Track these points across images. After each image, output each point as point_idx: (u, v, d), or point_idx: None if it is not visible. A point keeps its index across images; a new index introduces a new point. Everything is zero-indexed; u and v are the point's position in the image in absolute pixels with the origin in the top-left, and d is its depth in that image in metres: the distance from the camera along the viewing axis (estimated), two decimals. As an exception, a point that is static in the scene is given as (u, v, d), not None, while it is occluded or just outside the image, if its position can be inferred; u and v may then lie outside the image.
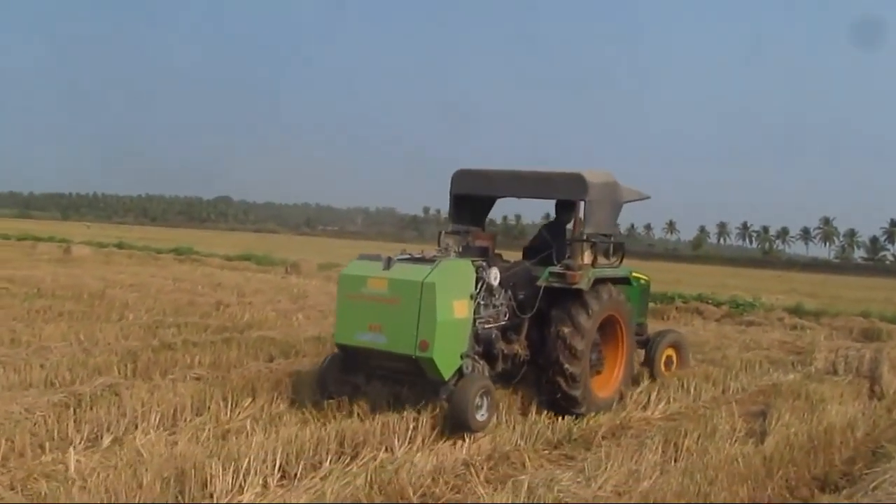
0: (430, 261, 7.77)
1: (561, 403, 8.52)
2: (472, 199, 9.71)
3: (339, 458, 6.61)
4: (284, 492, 5.85)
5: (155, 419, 7.31)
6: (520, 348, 8.63)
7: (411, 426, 7.32)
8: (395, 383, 8.01)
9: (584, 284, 8.45)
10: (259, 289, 20.89)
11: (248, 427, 7.18)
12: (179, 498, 5.46)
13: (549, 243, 9.42)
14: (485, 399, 7.54)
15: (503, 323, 8.43)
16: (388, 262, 7.83)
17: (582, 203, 8.84)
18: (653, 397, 9.55)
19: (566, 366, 8.34)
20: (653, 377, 10.53)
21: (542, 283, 8.71)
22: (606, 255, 9.63)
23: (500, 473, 6.60)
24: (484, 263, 8.29)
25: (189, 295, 18.41)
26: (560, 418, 8.34)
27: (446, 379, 7.54)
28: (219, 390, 8.11)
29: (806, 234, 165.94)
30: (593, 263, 8.92)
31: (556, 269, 8.72)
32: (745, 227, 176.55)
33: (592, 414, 8.60)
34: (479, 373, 7.97)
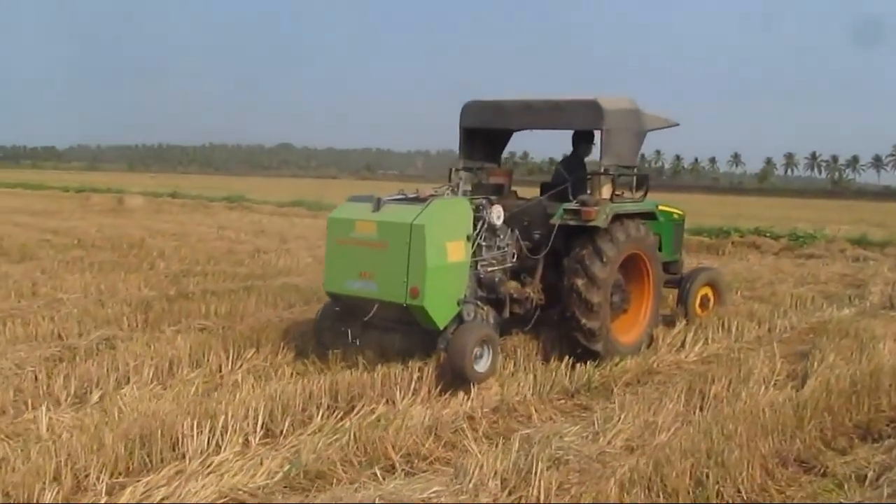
0: (423, 201, 7.20)
1: (581, 356, 7.96)
2: (484, 133, 9.07)
3: (333, 412, 6.19)
4: (267, 450, 5.44)
5: (149, 373, 6.99)
6: (532, 292, 8.05)
7: (416, 377, 6.88)
8: (393, 332, 7.52)
9: (600, 221, 7.80)
10: (303, 235, 20.53)
11: (241, 381, 6.82)
12: (147, 460, 5.09)
13: (566, 179, 8.75)
14: (486, 348, 7.03)
15: (510, 265, 7.88)
16: (378, 204, 7.24)
17: (598, 132, 8.13)
18: (688, 339, 8.92)
19: (583, 321, 7.76)
20: (687, 318, 9.87)
21: (555, 220, 8.07)
22: (631, 190, 8.95)
23: (503, 427, 6.13)
24: (485, 201, 7.73)
25: (229, 243, 18.23)
26: (582, 364, 7.79)
27: (441, 328, 7.02)
28: (222, 342, 7.76)
29: (878, 162, 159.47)
30: (612, 198, 8.24)
31: (572, 205, 8.08)
32: (813, 157, 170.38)
33: (617, 360, 8.04)
34: (483, 319, 7.46)
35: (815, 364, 7.62)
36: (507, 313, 7.88)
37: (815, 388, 6.68)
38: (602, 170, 8.19)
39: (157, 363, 7.09)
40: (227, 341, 7.77)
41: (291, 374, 7.15)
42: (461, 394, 6.71)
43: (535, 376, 7.17)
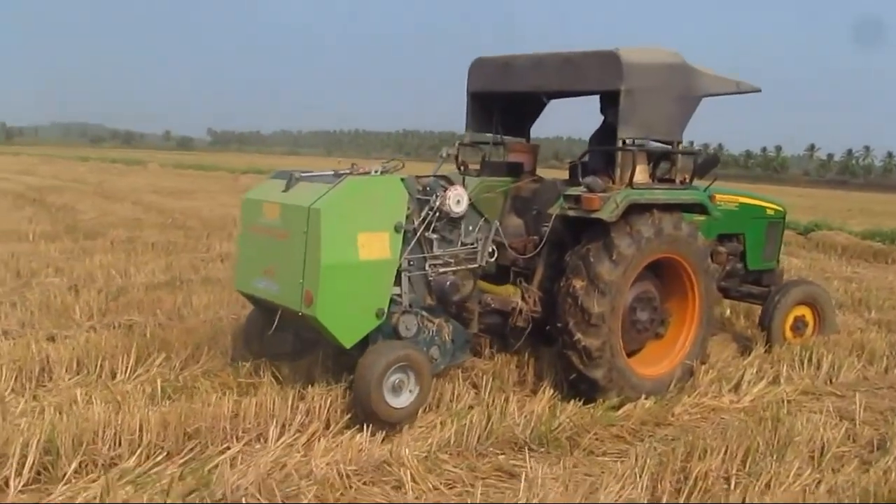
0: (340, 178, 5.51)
1: (579, 386, 6.03)
2: (502, 99, 7.22)
3: (158, 452, 4.68)
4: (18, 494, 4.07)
5: (24, 377, 5.81)
6: (523, 301, 6.19)
7: (320, 406, 5.26)
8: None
9: (606, 212, 5.82)
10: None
11: (87, 397, 5.43)
12: None
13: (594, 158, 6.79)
14: (409, 375, 5.29)
15: (475, 266, 6.00)
16: (290, 181, 5.64)
17: (618, 93, 6.07)
18: (747, 376, 6.69)
19: (577, 336, 5.82)
20: (769, 344, 7.59)
21: (554, 210, 6.18)
22: (685, 172, 6.83)
23: (348, 496, 4.34)
24: (441, 181, 5.89)
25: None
26: (573, 400, 5.91)
27: (348, 346, 5.32)
28: (138, 342, 6.46)
29: None
30: (630, 182, 6.18)
31: (576, 190, 6.13)
32: None
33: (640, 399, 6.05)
34: (432, 336, 5.68)
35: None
36: (474, 327, 6.09)
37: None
38: (621, 143, 6.17)
39: (24, 366, 5.87)
40: (145, 343, 6.49)
41: (180, 390, 5.72)
42: (358, 436, 5.00)
43: (487, 416, 5.32)
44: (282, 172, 5.86)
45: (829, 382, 7.04)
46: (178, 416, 4.90)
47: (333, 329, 5.19)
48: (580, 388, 6.01)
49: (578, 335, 5.80)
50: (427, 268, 5.71)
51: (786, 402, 6.34)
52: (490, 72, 7.03)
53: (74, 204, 19.81)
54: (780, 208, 8.38)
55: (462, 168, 7.34)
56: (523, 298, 6.21)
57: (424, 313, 5.68)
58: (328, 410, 5.27)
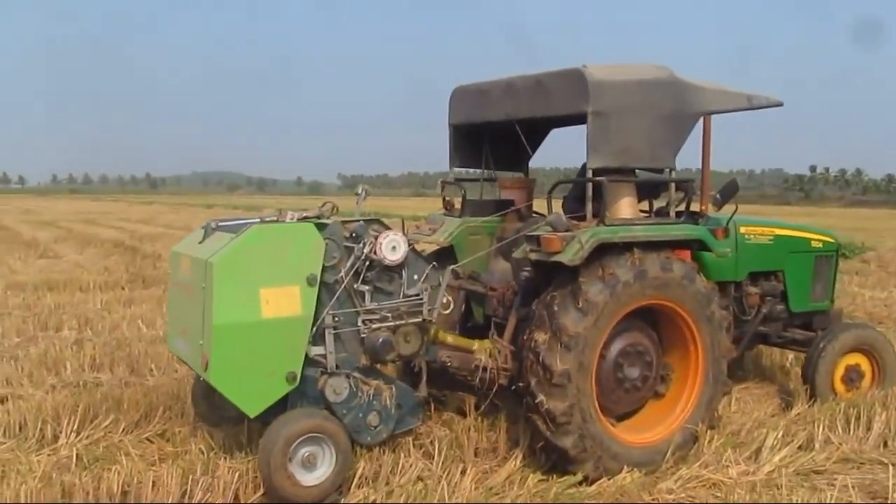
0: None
1: (550, 456, 5.21)
2: (483, 130, 6.55)
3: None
4: None
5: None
6: (490, 358, 5.43)
7: (226, 481, 4.68)
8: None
9: (567, 255, 4.99)
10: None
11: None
12: None
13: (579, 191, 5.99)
14: (324, 449, 4.62)
15: (420, 320, 5.23)
16: (207, 231, 5.14)
17: (586, 116, 5.25)
18: (770, 440, 5.65)
19: (540, 398, 5.00)
20: (814, 400, 6.50)
21: (518, 254, 5.45)
22: (686, 201, 5.95)
23: None
24: (376, 226, 5.18)
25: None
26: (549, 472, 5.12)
27: (251, 415, 4.66)
28: (88, 403, 6.08)
29: None
30: (600, 218, 5.32)
31: (539, 229, 5.35)
32: None
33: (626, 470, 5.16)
34: (364, 400, 4.99)
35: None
36: (423, 390, 5.37)
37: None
38: (590, 174, 5.35)
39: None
40: (93, 402, 6.10)
41: (97, 459, 5.25)
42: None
43: (424, 493, 4.60)
44: (208, 223, 5.32)
45: (883, 446, 5.90)
46: (59, 491, 4.42)
47: (232, 396, 4.56)
48: (550, 458, 5.20)
49: (541, 397, 4.98)
50: (360, 323, 5.03)
51: (812, 473, 5.31)
52: (469, 101, 6.41)
53: (163, 251, 20.17)
54: (830, 240, 7.26)
55: (448, 208, 6.73)
56: (490, 355, 5.46)
57: (357, 375, 5.00)
58: (236, 485, 4.67)
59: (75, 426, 5.76)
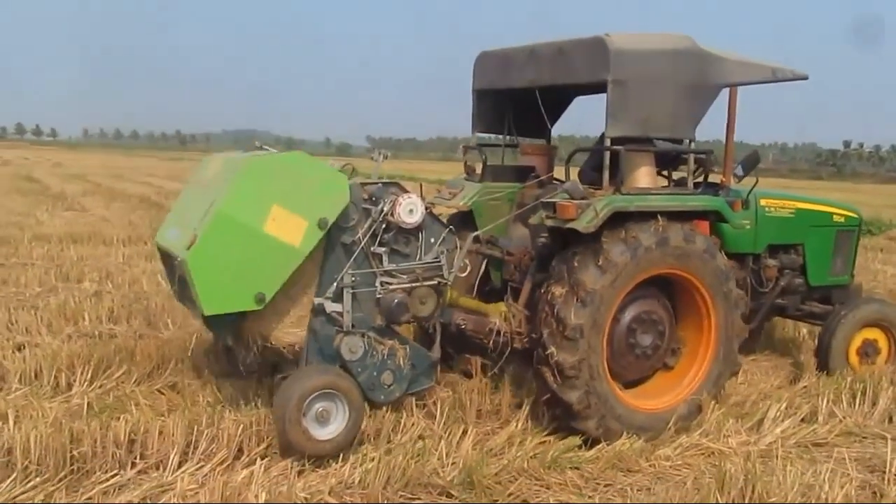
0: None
1: (553, 411, 5.29)
2: (505, 95, 6.53)
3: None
4: None
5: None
6: (504, 322, 5.53)
7: (231, 433, 4.80)
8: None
9: (582, 222, 5.04)
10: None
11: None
12: None
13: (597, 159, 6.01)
14: (337, 404, 4.75)
15: (437, 283, 5.30)
16: (252, 148, 5.45)
17: (606, 84, 5.24)
18: (773, 412, 5.67)
19: (550, 349, 5.08)
20: (826, 372, 6.51)
21: (534, 220, 5.52)
22: (704, 173, 6.01)
23: None
24: (391, 188, 5.22)
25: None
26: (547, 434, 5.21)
27: (206, 313, 4.63)
28: (101, 354, 6.20)
29: None
30: (617, 187, 5.34)
31: (555, 197, 5.38)
32: None
33: (626, 436, 5.23)
34: (378, 359, 5.10)
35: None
36: (437, 351, 5.43)
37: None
38: (608, 143, 5.35)
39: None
40: (107, 353, 6.22)
41: (108, 408, 5.38)
42: (275, 469, 4.51)
43: (414, 453, 4.68)
44: (256, 143, 5.52)
45: (888, 421, 5.90)
46: (68, 437, 4.53)
47: (199, 285, 4.51)
48: (555, 413, 5.29)
49: (552, 349, 5.07)
50: (377, 284, 5.13)
51: (812, 445, 5.35)
52: (493, 67, 6.41)
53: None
54: (852, 214, 7.20)
55: (469, 173, 6.77)
56: (505, 318, 5.55)
57: (373, 334, 5.11)
58: (240, 438, 4.78)
59: (88, 375, 5.92)
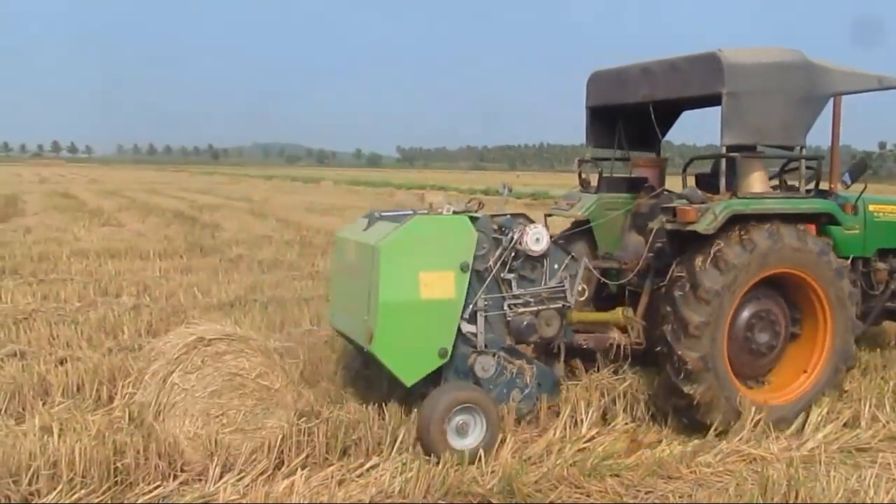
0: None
1: (677, 406, 5.58)
2: (624, 112, 6.84)
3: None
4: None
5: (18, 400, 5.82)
6: (624, 335, 5.94)
7: (280, 439, 4.86)
8: None
9: (702, 225, 5.41)
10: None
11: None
12: None
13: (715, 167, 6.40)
14: (475, 417, 5.04)
15: (558, 306, 5.62)
16: (371, 220, 5.80)
17: (720, 97, 5.56)
18: (815, 417, 5.63)
19: (674, 346, 5.42)
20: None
21: (654, 224, 5.88)
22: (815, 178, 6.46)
23: None
24: (518, 219, 5.61)
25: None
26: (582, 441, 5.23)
27: (408, 384, 5.24)
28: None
29: None
30: (733, 192, 5.69)
31: (676, 202, 5.70)
32: None
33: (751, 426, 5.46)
34: (508, 377, 5.47)
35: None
36: (561, 370, 5.79)
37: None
38: (724, 151, 5.67)
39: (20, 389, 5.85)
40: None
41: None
42: (314, 478, 4.54)
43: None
44: (369, 213, 5.98)
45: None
46: (111, 449, 4.59)
47: (393, 366, 5.15)
48: (679, 409, 5.56)
49: (675, 346, 5.38)
50: (506, 307, 5.47)
51: (855, 451, 5.28)
52: (606, 85, 6.77)
53: (221, 222, 20.55)
54: None
55: (584, 185, 7.09)
56: (624, 330, 5.90)
57: (503, 354, 5.45)
58: (281, 448, 4.82)
59: (129, 388, 5.98)
